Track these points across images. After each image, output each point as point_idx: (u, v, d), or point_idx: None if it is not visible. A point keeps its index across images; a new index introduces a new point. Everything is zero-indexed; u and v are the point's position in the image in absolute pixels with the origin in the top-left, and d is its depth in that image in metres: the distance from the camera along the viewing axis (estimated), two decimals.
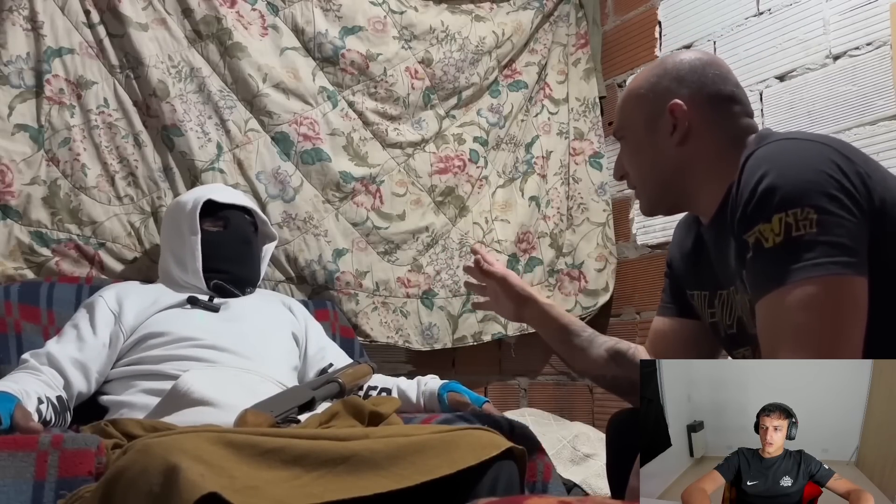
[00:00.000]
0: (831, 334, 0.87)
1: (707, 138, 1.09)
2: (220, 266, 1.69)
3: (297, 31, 2.19)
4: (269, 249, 1.90)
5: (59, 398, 1.38)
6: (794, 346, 0.87)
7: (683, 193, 1.13)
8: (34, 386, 1.34)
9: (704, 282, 1.18)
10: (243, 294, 1.72)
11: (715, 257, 1.13)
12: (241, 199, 1.81)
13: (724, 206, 1.04)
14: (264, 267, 1.88)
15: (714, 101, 1.10)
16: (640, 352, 1.30)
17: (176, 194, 1.96)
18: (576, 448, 2.09)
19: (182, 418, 1.31)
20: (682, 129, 1.09)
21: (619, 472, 1.24)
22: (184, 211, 1.71)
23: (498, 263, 1.43)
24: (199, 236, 1.67)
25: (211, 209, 1.72)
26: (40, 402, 1.31)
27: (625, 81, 2.57)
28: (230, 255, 1.71)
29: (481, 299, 1.49)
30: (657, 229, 2.40)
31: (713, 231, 1.12)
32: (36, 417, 1.25)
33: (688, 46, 2.32)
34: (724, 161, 1.06)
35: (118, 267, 1.90)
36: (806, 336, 0.87)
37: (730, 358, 1.21)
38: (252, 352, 1.55)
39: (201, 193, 1.73)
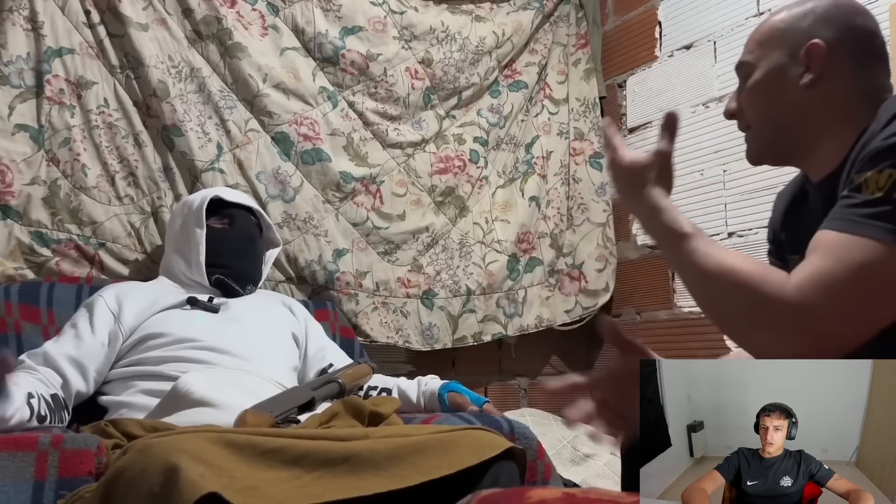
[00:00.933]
0: (873, 306, 0.83)
1: (838, 87, 1.03)
2: (222, 262, 1.70)
3: (298, 32, 2.20)
4: (272, 255, 1.90)
5: (53, 396, 1.37)
6: (830, 296, 0.83)
7: (799, 141, 1.06)
8: (25, 382, 1.32)
9: (802, 246, 1.10)
10: (244, 291, 1.73)
11: (820, 219, 1.05)
12: (248, 200, 1.84)
13: (843, 165, 0.97)
14: (266, 270, 1.88)
15: (855, 52, 1.03)
16: None
17: (176, 194, 1.96)
18: (576, 448, 2.09)
19: (182, 419, 1.31)
20: (815, 70, 1.02)
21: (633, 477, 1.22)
22: (191, 207, 1.73)
23: None
24: (204, 231, 1.69)
25: (217, 208, 1.73)
26: (31, 396, 1.28)
27: (625, 82, 2.57)
28: (234, 251, 1.73)
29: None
30: None
31: (824, 191, 1.04)
32: (28, 412, 1.24)
33: (688, 47, 2.32)
34: (850, 116, 1.00)
35: (118, 267, 1.90)
36: (847, 295, 0.83)
37: None
38: (252, 353, 1.55)
39: (208, 192, 1.76)
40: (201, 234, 1.69)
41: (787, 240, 1.18)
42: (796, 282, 0.86)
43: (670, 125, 1.04)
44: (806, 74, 1.03)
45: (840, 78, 1.03)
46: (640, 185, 0.98)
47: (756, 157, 1.13)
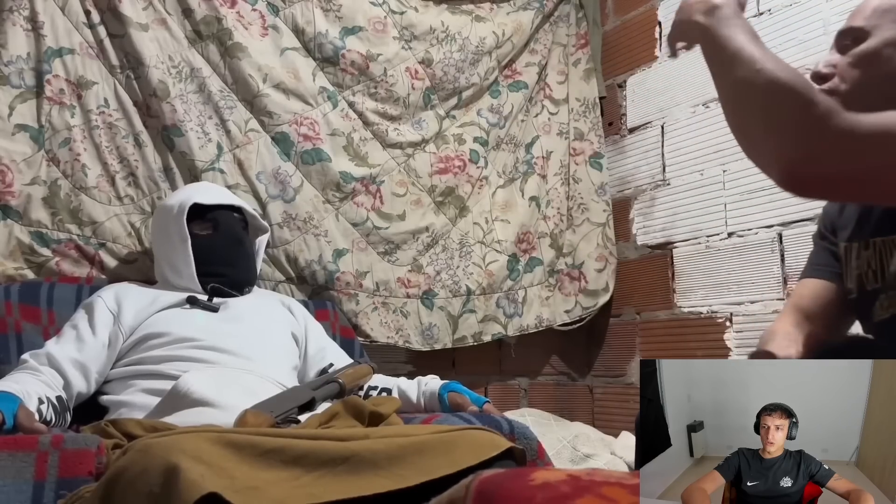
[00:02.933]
0: None
1: None
2: (215, 270, 1.67)
3: (298, 32, 2.20)
4: (262, 242, 1.88)
5: (58, 398, 1.39)
6: (881, 141, 0.84)
7: None
8: (34, 386, 1.34)
9: (863, 233, 1.11)
10: (242, 294, 1.72)
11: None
12: (228, 197, 1.77)
13: None
14: (259, 261, 1.87)
15: None
16: None
17: None
18: (576, 448, 2.09)
19: (182, 419, 1.31)
20: None
21: None
22: (170, 216, 1.68)
23: None
24: (189, 242, 1.65)
25: (199, 211, 1.68)
26: (41, 402, 1.31)
27: (625, 82, 2.57)
28: (224, 258, 1.70)
29: None
30: (657, 229, 2.40)
31: None
32: (36, 417, 1.26)
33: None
34: None
35: (118, 267, 1.90)
36: None
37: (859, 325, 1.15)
38: (251, 352, 1.55)
39: (186, 197, 1.69)
40: (187, 247, 1.65)
41: (842, 225, 1.17)
42: (860, 117, 0.85)
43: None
44: None
45: None
46: None
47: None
